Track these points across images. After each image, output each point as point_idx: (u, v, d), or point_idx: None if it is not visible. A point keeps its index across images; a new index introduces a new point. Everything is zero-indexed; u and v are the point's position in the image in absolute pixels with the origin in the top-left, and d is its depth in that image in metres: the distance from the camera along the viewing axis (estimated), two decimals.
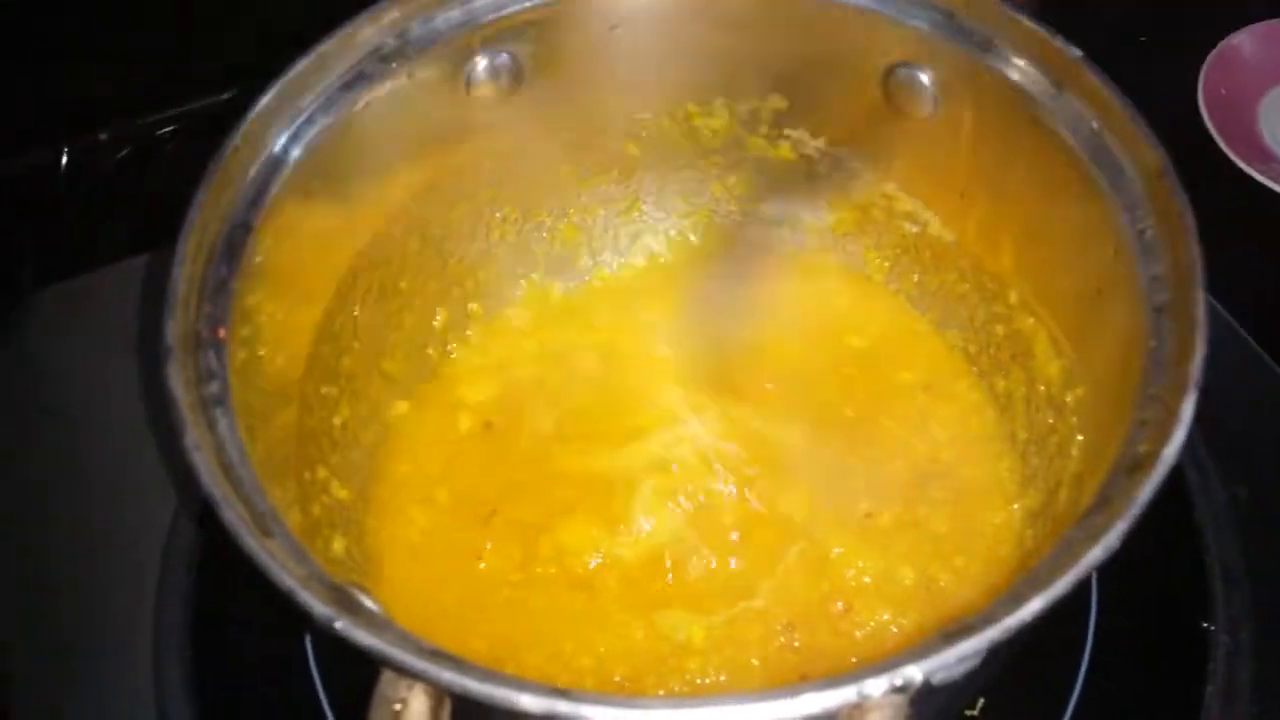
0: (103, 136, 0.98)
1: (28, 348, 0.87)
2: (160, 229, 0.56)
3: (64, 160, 0.97)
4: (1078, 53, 0.58)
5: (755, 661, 0.64)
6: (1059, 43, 0.58)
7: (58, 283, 0.90)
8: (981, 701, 0.63)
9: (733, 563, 0.67)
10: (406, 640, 0.43)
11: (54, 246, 0.93)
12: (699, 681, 0.64)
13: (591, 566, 0.67)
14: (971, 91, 0.63)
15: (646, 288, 0.81)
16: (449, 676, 0.42)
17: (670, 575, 0.67)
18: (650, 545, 0.68)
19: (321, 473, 0.64)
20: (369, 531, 0.69)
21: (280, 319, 0.60)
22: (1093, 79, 0.57)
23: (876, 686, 0.40)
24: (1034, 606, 0.42)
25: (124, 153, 0.98)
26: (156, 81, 0.96)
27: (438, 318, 0.76)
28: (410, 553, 0.69)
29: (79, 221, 0.95)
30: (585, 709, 0.41)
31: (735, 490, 0.69)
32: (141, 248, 0.88)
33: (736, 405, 0.72)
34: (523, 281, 0.80)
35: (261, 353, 0.58)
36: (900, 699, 0.41)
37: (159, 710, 0.68)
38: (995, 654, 0.46)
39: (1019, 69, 0.60)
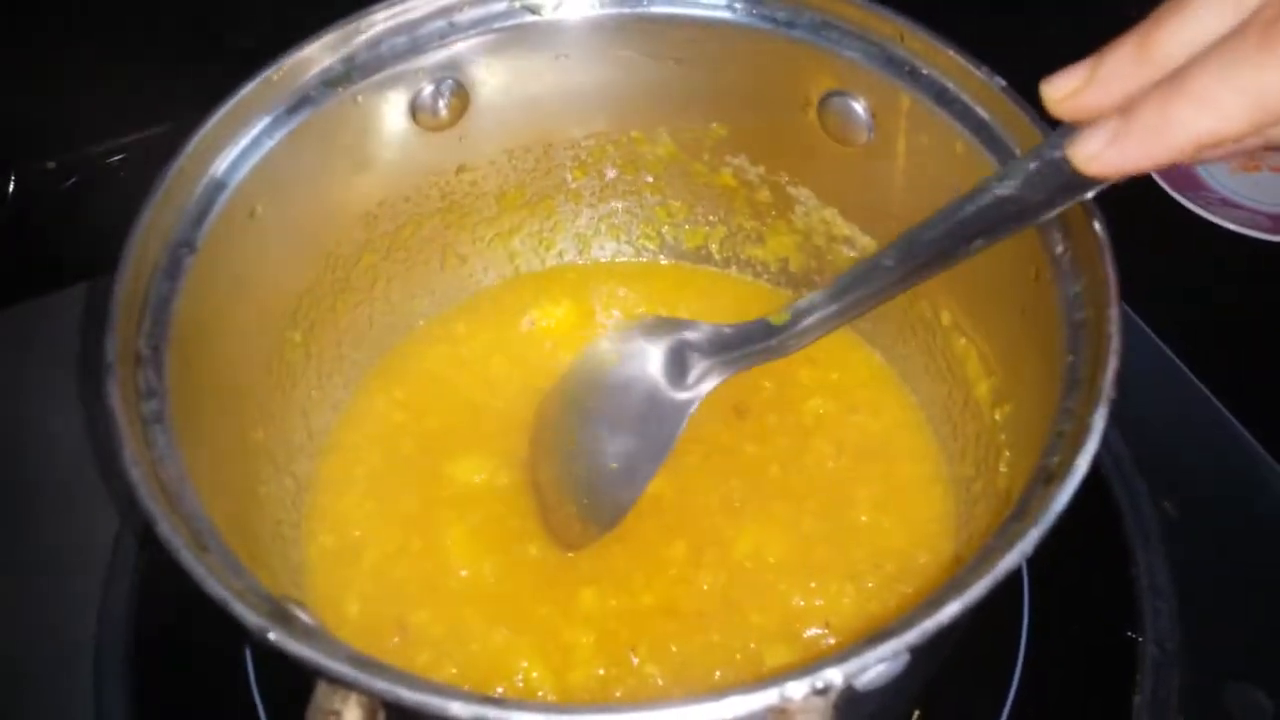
0: (51, 164, 0.99)
1: None
2: (108, 256, 0.56)
3: (11, 187, 0.98)
4: (1001, 82, 0.60)
5: None
6: (983, 74, 0.60)
7: (6, 308, 0.90)
8: (916, 713, 0.65)
9: None
10: (339, 650, 0.44)
11: (1, 272, 0.93)
12: None
13: None
14: (902, 119, 0.65)
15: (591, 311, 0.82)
16: (381, 685, 0.42)
17: None
18: None
19: (263, 489, 0.64)
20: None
21: (222, 338, 0.61)
22: (1014, 109, 0.59)
23: (797, 689, 0.41)
24: (950, 611, 0.43)
25: (72, 180, 0.99)
26: (105, 110, 0.96)
27: (382, 334, 0.77)
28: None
29: (27, 247, 0.95)
30: (514, 716, 0.41)
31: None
32: (89, 274, 0.88)
33: None
34: (467, 304, 0.81)
35: (202, 370, 0.58)
36: (823, 702, 0.42)
37: None
38: (922, 661, 0.47)
39: (946, 98, 0.62)
